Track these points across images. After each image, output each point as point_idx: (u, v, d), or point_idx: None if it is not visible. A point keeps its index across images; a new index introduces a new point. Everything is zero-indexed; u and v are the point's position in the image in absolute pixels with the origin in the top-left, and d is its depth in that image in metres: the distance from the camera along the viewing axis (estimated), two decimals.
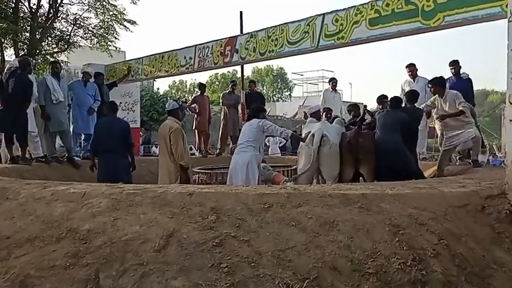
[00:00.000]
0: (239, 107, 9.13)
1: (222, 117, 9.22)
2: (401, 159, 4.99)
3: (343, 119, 6.52)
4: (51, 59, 11.84)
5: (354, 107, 6.94)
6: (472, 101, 6.42)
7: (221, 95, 9.92)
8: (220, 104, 9.43)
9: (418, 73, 7.02)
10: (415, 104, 5.77)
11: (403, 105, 5.77)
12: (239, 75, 9.81)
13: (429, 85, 5.94)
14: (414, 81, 6.94)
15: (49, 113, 6.54)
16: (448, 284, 2.25)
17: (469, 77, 6.62)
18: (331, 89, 8.83)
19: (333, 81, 8.96)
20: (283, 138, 10.05)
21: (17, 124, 6.05)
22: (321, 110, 6.59)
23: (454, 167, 6.10)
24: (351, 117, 6.75)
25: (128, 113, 9.64)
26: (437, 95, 5.76)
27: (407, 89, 6.87)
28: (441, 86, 5.68)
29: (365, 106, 6.05)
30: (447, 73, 6.61)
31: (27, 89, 6.17)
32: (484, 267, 2.45)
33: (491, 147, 15.61)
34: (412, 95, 5.78)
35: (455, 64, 6.58)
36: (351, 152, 5.15)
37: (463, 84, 6.49)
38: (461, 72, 6.58)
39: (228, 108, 9.14)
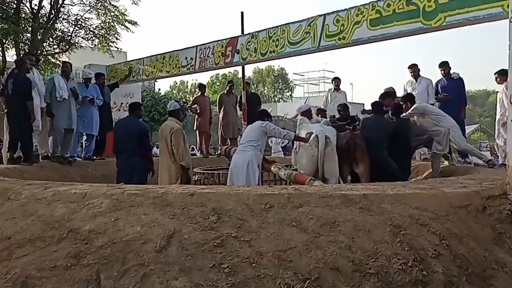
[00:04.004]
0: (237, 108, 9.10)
1: (220, 119, 9.18)
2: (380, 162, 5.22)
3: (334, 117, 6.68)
4: (53, 60, 11.90)
5: (343, 107, 6.84)
6: (465, 99, 6.73)
7: (218, 96, 9.86)
8: (217, 105, 9.31)
9: (421, 73, 6.98)
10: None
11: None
12: (240, 75, 9.79)
13: (401, 102, 6.11)
14: (416, 81, 6.90)
15: (53, 110, 6.54)
16: (449, 285, 2.25)
17: (460, 76, 6.64)
18: (333, 89, 8.60)
19: (336, 81, 8.63)
20: (287, 140, 9.97)
21: (22, 132, 5.98)
22: (312, 109, 6.61)
23: (455, 168, 6.09)
24: (339, 116, 6.77)
25: None
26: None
27: (409, 89, 6.87)
28: (411, 102, 5.96)
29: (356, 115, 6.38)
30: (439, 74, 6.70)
31: (26, 88, 5.97)
32: (485, 268, 2.45)
33: (492, 148, 15.61)
34: (396, 110, 5.93)
35: (444, 66, 6.61)
36: (349, 152, 5.26)
37: (454, 84, 6.55)
38: (451, 72, 6.61)
39: (226, 109, 9.05)
